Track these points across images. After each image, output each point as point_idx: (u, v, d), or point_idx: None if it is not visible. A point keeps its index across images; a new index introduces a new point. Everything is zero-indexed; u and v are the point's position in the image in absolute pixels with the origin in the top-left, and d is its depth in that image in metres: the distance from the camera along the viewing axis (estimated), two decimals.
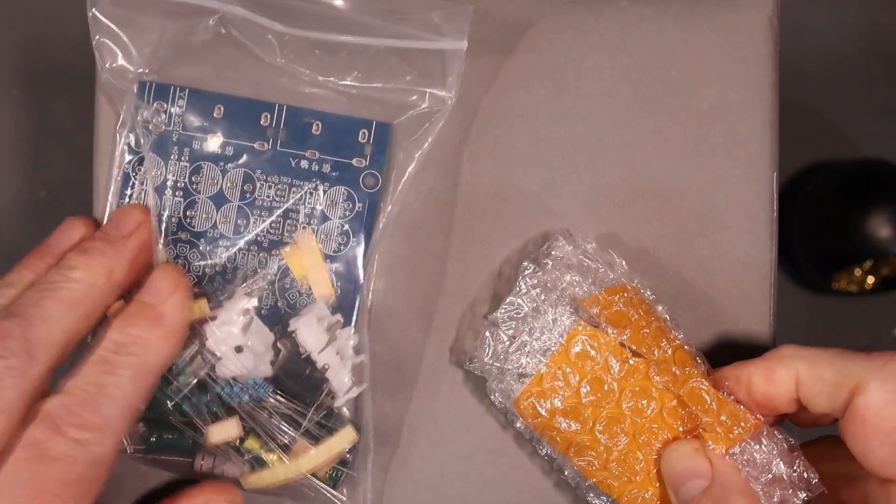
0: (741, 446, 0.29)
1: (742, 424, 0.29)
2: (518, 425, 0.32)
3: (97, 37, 0.31)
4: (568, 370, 0.30)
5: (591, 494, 0.31)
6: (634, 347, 0.30)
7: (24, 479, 0.25)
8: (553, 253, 0.31)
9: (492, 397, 0.31)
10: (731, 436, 0.29)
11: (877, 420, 0.26)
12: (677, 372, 0.29)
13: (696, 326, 0.33)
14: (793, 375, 0.28)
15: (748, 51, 0.33)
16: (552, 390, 0.30)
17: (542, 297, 0.30)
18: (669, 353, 0.30)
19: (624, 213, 0.33)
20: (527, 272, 0.31)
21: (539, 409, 0.30)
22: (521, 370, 0.30)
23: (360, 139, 0.32)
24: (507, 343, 0.31)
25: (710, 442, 0.29)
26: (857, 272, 0.75)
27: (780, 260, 0.37)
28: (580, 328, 0.30)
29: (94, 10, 0.31)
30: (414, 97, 0.32)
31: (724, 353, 0.33)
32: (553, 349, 0.30)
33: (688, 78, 0.33)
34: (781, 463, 0.29)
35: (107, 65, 0.32)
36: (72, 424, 0.26)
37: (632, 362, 0.30)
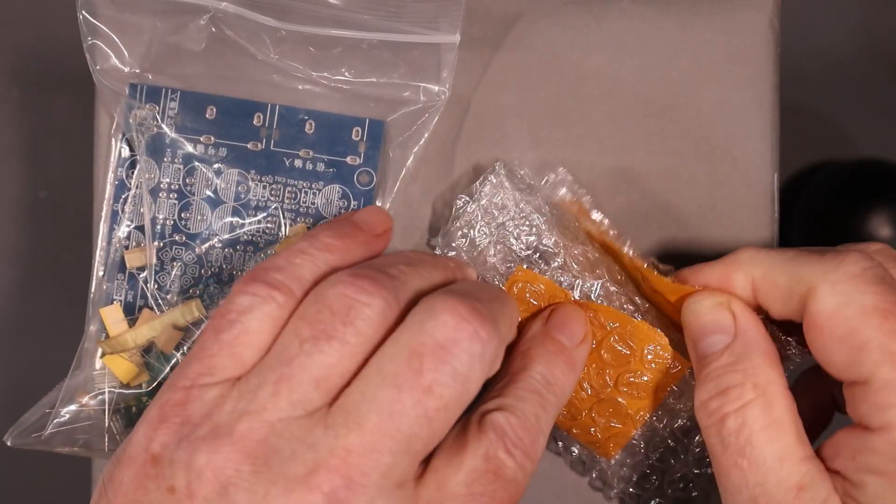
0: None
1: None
2: None
3: (88, 38, 0.31)
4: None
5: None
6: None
7: (479, 494, 0.23)
8: (488, 184, 0.31)
9: None
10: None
11: (831, 325, 0.25)
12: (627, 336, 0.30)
13: None
14: (749, 281, 0.28)
15: (748, 51, 0.33)
16: None
17: (478, 234, 0.30)
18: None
19: (624, 214, 0.33)
20: (459, 205, 0.31)
21: None
22: None
23: (353, 137, 0.32)
24: None
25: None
26: None
27: None
28: (520, 273, 0.29)
29: (83, 11, 0.31)
30: (407, 92, 0.32)
31: None
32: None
33: (688, 78, 0.33)
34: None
35: (98, 66, 0.32)
36: (520, 448, 0.24)
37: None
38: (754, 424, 0.25)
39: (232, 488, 0.21)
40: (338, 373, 0.23)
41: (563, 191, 0.30)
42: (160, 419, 0.23)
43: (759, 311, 0.28)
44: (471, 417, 0.25)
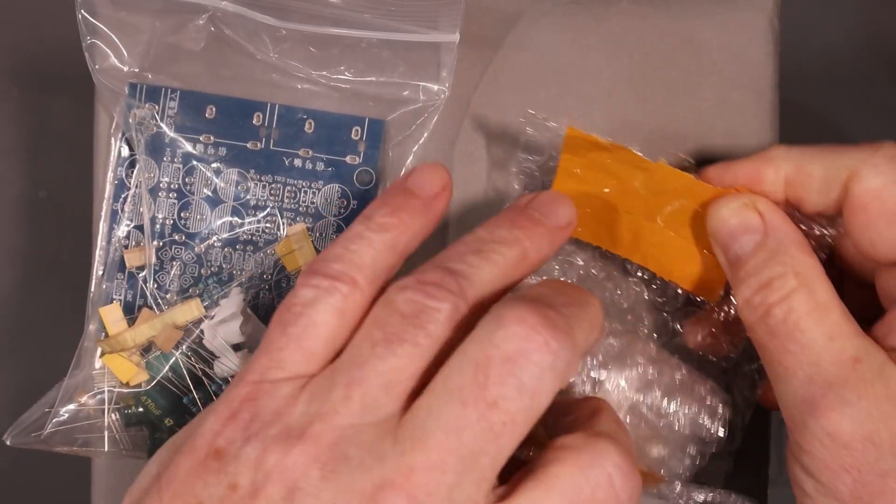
0: None
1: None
2: None
3: (87, 38, 0.31)
4: None
5: None
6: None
7: None
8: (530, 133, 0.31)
9: None
10: None
11: (878, 203, 0.26)
12: None
13: None
14: (781, 176, 0.28)
15: (748, 51, 0.33)
16: None
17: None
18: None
19: None
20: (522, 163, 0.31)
21: None
22: None
23: (353, 136, 0.32)
24: None
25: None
26: None
27: None
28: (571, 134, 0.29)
29: (82, 11, 0.31)
30: (407, 91, 0.32)
31: None
32: None
33: (688, 78, 0.33)
34: None
35: (97, 66, 0.32)
36: (629, 484, 0.23)
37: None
38: (800, 309, 0.25)
39: (298, 493, 0.21)
40: (409, 376, 0.22)
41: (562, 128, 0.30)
42: (229, 414, 0.22)
43: (789, 206, 0.28)
44: (554, 446, 0.23)
